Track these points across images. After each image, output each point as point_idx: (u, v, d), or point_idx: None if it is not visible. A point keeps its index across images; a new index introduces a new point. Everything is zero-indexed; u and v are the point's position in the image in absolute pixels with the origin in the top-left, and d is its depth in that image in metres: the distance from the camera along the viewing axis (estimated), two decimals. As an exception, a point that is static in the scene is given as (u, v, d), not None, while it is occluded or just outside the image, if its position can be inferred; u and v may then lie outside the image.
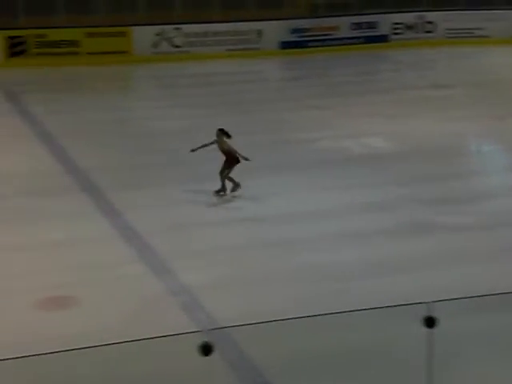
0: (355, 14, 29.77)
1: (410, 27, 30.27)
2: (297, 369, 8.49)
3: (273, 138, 18.52)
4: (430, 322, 6.72)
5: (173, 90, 24.56)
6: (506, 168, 17.08)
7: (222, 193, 14.42)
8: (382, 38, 30.07)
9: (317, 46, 29.22)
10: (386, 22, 30.06)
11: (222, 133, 14.29)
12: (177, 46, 27.54)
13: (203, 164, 15.77)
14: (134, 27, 27.00)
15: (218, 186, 14.35)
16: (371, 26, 29.97)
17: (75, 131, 18.81)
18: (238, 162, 14.26)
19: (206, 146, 14.29)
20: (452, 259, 11.71)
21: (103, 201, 14.34)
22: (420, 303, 6.76)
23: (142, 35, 27.13)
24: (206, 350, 6.97)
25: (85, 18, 26.46)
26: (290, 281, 11.20)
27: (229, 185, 14.39)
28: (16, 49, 25.86)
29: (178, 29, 27.46)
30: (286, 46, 29.07)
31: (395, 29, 30.22)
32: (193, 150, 14.40)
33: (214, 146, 14.34)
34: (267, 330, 8.67)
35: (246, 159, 14.18)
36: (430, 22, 30.28)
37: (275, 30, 28.89)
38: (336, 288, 10.89)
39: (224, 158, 14.32)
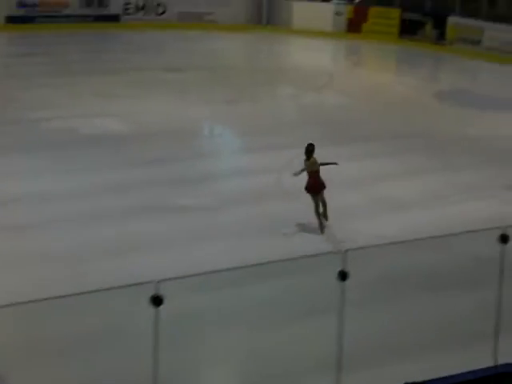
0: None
1: (141, 8, 30.34)
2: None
3: (-1, 116, 17.80)
4: (157, 301, 6.84)
5: None
6: (237, 150, 17.59)
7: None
8: (114, 18, 29.87)
9: (45, 23, 28.38)
10: (117, 1, 29.87)
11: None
12: None
13: None
14: None
15: None
16: (102, 4, 29.63)
17: None
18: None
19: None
20: (183, 239, 11.97)
21: None
22: (147, 283, 6.86)
23: None
24: None
25: None
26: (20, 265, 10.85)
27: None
28: None
29: None
30: (13, 20, 27.99)
31: (126, 9, 30.14)
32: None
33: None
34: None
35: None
36: (159, 4, 30.52)
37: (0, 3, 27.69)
38: (75, 271, 10.71)
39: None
